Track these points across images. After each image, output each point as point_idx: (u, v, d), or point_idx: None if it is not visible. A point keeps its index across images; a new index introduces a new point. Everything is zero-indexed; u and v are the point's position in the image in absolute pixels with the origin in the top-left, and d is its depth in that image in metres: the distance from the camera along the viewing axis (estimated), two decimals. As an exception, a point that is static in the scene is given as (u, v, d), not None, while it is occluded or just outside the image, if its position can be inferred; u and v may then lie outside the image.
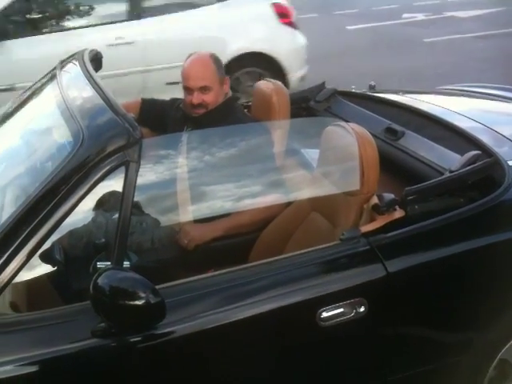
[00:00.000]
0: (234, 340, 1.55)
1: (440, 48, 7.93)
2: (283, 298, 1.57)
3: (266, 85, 2.50)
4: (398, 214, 1.73)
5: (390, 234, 1.70)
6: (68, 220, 1.44)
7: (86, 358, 1.41)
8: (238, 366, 1.57)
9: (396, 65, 7.06)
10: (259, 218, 2.22)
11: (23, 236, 1.37)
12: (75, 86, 1.76)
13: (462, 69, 6.71)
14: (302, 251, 1.68)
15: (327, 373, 1.69)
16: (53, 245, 1.70)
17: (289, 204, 2.22)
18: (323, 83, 2.91)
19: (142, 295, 1.32)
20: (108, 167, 1.40)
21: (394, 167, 2.16)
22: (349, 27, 9.63)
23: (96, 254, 1.89)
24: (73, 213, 1.43)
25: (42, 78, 2.12)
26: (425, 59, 7.32)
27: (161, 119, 2.56)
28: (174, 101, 2.60)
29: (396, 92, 2.94)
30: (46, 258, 1.67)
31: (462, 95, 2.96)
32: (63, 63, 2.04)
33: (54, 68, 2.04)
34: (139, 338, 1.43)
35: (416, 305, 1.74)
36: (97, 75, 1.71)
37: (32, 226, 1.37)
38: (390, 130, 2.34)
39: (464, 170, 1.86)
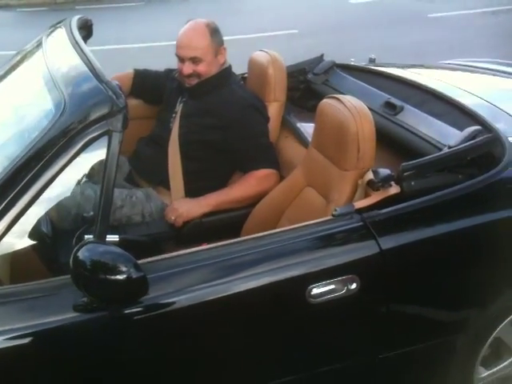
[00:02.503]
0: (222, 315, 1.52)
1: (446, 24, 7.80)
2: (273, 273, 1.54)
3: (263, 55, 2.43)
4: (394, 190, 1.68)
5: (384, 211, 1.65)
6: (56, 192, 1.41)
7: (67, 333, 1.38)
8: (225, 341, 1.54)
9: (399, 40, 6.95)
10: (250, 194, 2.18)
11: (4, 204, 1.33)
12: (60, 53, 1.69)
13: (468, 45, 6.59)
14: (294, 226, 1.64)
15: (317, 350, 1.67)
16: (40, 217, 1.65)
17: (282, 179, 2.18)
18: (322, 56, 2.84)
19: (124, 269, 1.29)
20: (90, 136, 1.35)
21: (392, 142, 2.10)
22: (352, 1, 9.47)
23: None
24: (61, 185, 1.40)
25: (30, 44, 2.05)
26: (429, 35, 7.20)
27: (155, 90, 2.50)
28: (169, 71, 2.54)
29: (397, 66, 2.87)
30: (34, 230, 1.63)
31: (466, 70, 2.89)
32: (51, 29, 1.98)
33: (41, 34, 1.98)
34: (122, 313, 1.40)
35: (410, 283, 1.70)
36: (82, 42, 1.65)
37: (13, 193, 1.33)
38: (388, 105, 2.28)
39: (463, 145, 1.81)
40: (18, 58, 2.02)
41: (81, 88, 1.42)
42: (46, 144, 1.34)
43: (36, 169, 1.33)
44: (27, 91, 1.75)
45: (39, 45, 1.85)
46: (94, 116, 1.34)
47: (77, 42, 1.62)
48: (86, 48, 1.57)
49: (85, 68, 1.46)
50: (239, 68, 2.50)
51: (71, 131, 1.34)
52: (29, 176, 1.33)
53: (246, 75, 2.59)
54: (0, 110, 1.83)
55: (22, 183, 1.33)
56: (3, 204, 1.32)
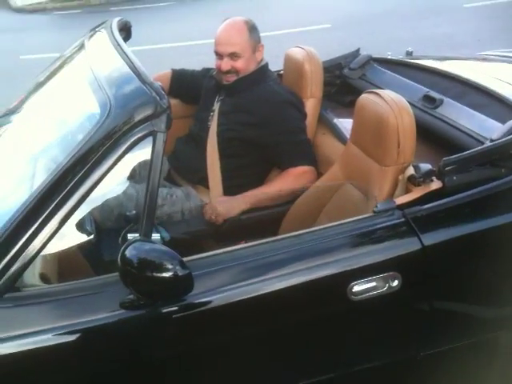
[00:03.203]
0: (263, 313, 1.53)
1: (481, 14, 7.63)
2: (314, 270, 1.54)
3: (299, 51, 2.43)
4: (435, 185, 1.66)
5: (426, 206, 1.63)
6: (99, 192, 1.43)
7: (114, 330, 1.41)
8: (267, 339, 1.55)
9: (434, 30, 6.83)
10: (288, 191, 2.18)
11: (52, 206, 1.36)
12: (102, 55, 1.73)
13: (503, 35, 6.42)
14: (334, 223, 1.64)
15: (358, 347, 1.66)
16: (85, 216, 1.70)
17: (320, 176, 2.18)
18: (358, 50, 2.81)
19: (170, 267, 1.31)
20: (135, 137, 1.37)
21: (432, 136, 2.08)
22: (385, -8, 9.33)
23: (127, 226, 1.89)
24: (104, 185, 1.42)
25: (72, 47, 2.10)
26: (464, 25, 7.06)
27: (193, 90, 2.53)
28: (206, 70, 2.56)
29: (434, 58, 2.83)
30: (79, 229, 1.67)
31: (505, 61, 2.82)
32: (91, 32, 2.02)
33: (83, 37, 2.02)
34: (167, 310, 1.42)
35: (452, 279, 1.68)
36: (124, 44, 1.68)
37: (61, 196, 1.36)
38: (427, 98, 2.25)
39: (506, 138, 1.77)
40: (60, 61, 2.06)
41: (125, 89, 1.44)
42: (92, 146, 1.37)
43: (83, 171, 1.36)
44: (71, 94, 1.79)
45: (81, 47, 1.89)
46: (138, 117, 1.36)
47: (119, 44, 1.65)
48: (129, 50, 1.60)
49: (128, 70, 1.49)
50: (274, 64, 2.51)
51: (117, 133, 1.36)
52: (76, 179, 1.36)
53: (281, 72, 2.59)
54: (45, 112, 1.88)
55: (70, 186, 1.36)
56: (51, 207, 1.35)
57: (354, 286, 1.54)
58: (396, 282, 1.57)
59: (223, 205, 2.17)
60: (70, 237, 1.57)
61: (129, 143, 1.37)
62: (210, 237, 2.19)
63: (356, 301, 1.55)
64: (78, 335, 1.38)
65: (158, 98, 1.37)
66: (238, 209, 2.18)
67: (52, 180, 1.38)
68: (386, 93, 1.79)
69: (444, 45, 6.20)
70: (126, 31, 2.07)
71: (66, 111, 1.75)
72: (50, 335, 1.35)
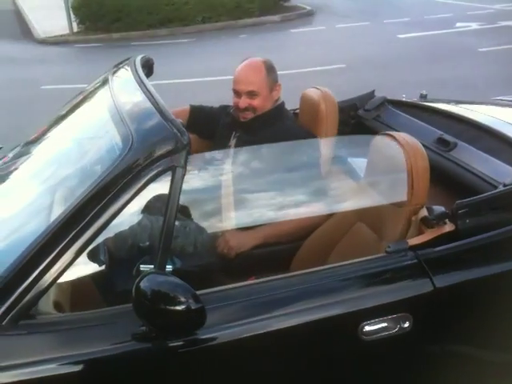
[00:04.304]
0: (273, 350, 1.53)
1: (495, 58, 7.70)
2: (325, 309, 1.54)
3: (314, 92, 2.47)
4: (448, 227, 1.67)
5: (438, 249, 1.64)
6: (114, 222, 1.45)
7: (125, 361, 1.42)
8: (276, 376, 1.55)
9: (449, 74, 6.90)
10: (301, 227, 2.20)
11: (70, 237, 1.39)
12: (126, 91, 1.78)
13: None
14: (346, 262, 1.64)
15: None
16: (99, 246, 1.72)
17: (333, 213, 2.19)
18: (373, 91, 2.86)
19: (183, 300, 1.32)
20: (155, 171, 1.40)
21: (446, 179, 2.09)
22: (400, 36, 9.50)
23: (140, 257, 1.90)
24: (120, 215, 1.44)
25: (95, 82, 2.16)
26: (479, 69, 7.13)
27: (210, 125, 2.58)
28: (224, 107, 2.61)
29: (448, 102, 2.86)
30: (92, 258, 1.69)
31: (518, 106, 2.85)
32: (115, 68, 2.08)
33: (107, 72, 2.08)
34: (179, 343, 1.43)
35: (464, 323, 1.67)
36: (147, 80, 1.73)
37: (79, 227, 1.39)
38: (441, 141, 2.27)
39: (519, 184, 1.78)
40: (83, 95, 2.12)
41: (147, 125, 1.48)
42: (112, 179, 1.40)
43: (102, 203, 1.39)
44: (93, 126, 1.84)
45: (105, 82, 1.95)
46: (159, 152, 1.39)
47: (142, 81, 1.70)
48: (151, 87, 1.65)
49: (151, 106, 1.53)
50: (289, 102, 2.56)
51: (137, 167, 1.39)
52: (94, 211, 1.39)
53: (297, 111, 2.64)
54: (65, 144, 1.93)
55: (88, 217, 1.39)
56: (69, 237, 1.38)
57: (365, 325, 1.54)
58: (407, 324, 1.57)
59: (235, 238, 2.19)
60: (83, 266, 1.59)
61: (148, 177, 1.40)
62: (222, 270, 2.19)
63: (367, 341, 1.54)
64: (89, 365, 1.39)
65: (178, 134, 1.41)
66: (251, 243, 2.19)
67: (71, 211, 1.40)
68: (401, 135, 1.82)
69: (458, 88, 6.25)
70: (148, 68, 2.13)
71: (88, 143, 1.80)
72: (61, 364, 1.37)
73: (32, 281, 1.36)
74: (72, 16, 11.41)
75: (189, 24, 11.41)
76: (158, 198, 2.10)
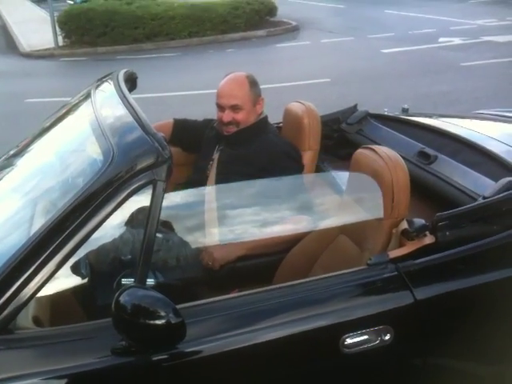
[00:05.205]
0: (254, 363, 1.52)
1: (477, 72, 7.83)
2: (307, 321, 1.54)
3: (298, 106, 2.50)
4: (429, 239, 1.68)
5: (419, 261, 1.66)
6: (96, 235, 1.45)
7: (105, 376, 1.40)
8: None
9: (431, 88, 7.00)
10: (284, 239, 2.20)
11: (50, 250, 1.38)
12: (108, 105, 1.78)
13: (500, 94, 6.59)
14: (328, 275, 1.65)
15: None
16: (80, 259, 1.71)
17: (316, 226, 2.20)
18: (355, 105, 2.89)
19: (163, 314, 1.31)
20: (136, 185, 1.40)
21: (426, 192, 2.12)
22: (384, 50, 9.62)
23: (122, 270, 1.90)
24: (101, 228, 1.44)
25: (79, 95, 2.16)
26: (461, 83, 7.24)
27: (193, 139, 2.59)
28: (208, 121, 2.63)
29: (430, 115, 2.91)
30: (73, 271, 1.68)
31: (498, 120, 2.90)
32: (98, 82, 2.08)
33: (90, 86, 2.08)
34: (160, 357, 1.42)
35: (445, 335, 1.68)
36: (129, 95, 1.73)
37: (59, 240, 1.38)
38: (422, 154, 2.30)
39: (498, 196, 1.81)
40: (66, 108, 2.12)
41: (128, 139, 1.48)
42: (93, 192, 1.40)
43: (83, 216, 1.38)
44: (75, 140, 1.84)
45: (88, 96, 1.95)
46: (140, 166, 1.39)
47: (124, 95, 1.70)
48: (133, 101, 1.65)
49: (132, 120, 1.53)
50: (274, 114, 2.58)
51: (118, 180, 1.39)
52: (75, 223, 1.38)
53: (280, 125, 2.66)
54: (47, 156, 1.92)
55: (68, 230, 1.38)
56: (49, 250, 1.37)
57: (346, 338, 1.54)
58: (388, 336, 1.57)
59: (220, 251, 2.19)
60: (64, 279, 1.58)
61: (129, 190, 1.40)
62: (205, 284, 2.19)
63: (348, 353, 1.55)
64: (68, 380, 1.37)
65: (160, 148, 1.41)
66: (235, 255, 2.19)
67: (51, 224, 1.39)
68: (382, 149, 1.84)
69: (440, 102, 6.34)
70: (131, 82, 2.14)
71: (69, 157, 1.79)
72: (40, 379, 1.35)
73: (11, 295, 1.35)
74: (58, 30, 11.42)
75: (175, 38, 11.47)
76: (140, 211, 2.10)
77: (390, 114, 2.85)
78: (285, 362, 1.54)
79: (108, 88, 1.90)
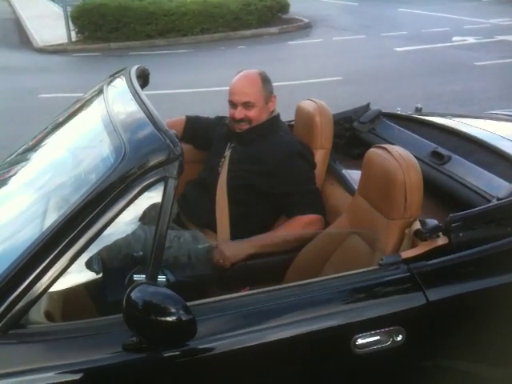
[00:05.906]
0: (265, 361, 1.52)
1: (491, 72, 7.76)
2: (318, 321, 1.54)
3: (310, 104, 2.49)
4: (441, 241, 1.67)
5: (431, 262, 1.64)
6: (108, 231, 1.45)
7: (115, 372, 1.41)
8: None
9: (445, 87, 6.95)
10: (295, 238, 2.20)
11: (62, 245, 1.38)
12: (120, 101, 1.78)
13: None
14: (339, 274, 1.64)
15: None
16: (92, 255, 1.71)
17: (327, 225, 2.19)
18: (368, 104, 2.88)
19: (173, 311, 1.31)
20: (147, 182, 1.40)
21: (439, 192, 2.10)
22: (397, 49, 9.57)
23: (133, 267, 1.90)
24: (113, 224, 1.44)
25: (91, 91, 2.17)
26: (475, 83, 7.18)
27: (205, 136, 2.59)
28: (219, 118, 2.63)
29: (443, 115, 2.88)
30: (85, 267, 1.68)
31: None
32: (111, 78, 2.09)
33: (102, 82, 2.09)
34: (170, 354, 1.42)
35: (457, 336, 1.67)
36: (142, 91, 1.73)
37: (71, 235, 1.38)
38: (435, 154, 2.28)
39: (512, 198, 1.79)
40: (79, 104, 2.13)
41: (140, 135, 1.48)
42: (105, 189, 1.40)
43: (95, 212, 1.39)
44: (87, 136, 1.84)
45: (100, 92, 1.95)
46: (152, 162, 1.39)
47: (136, 91, 1.70)
48: (145, 97, 1.65)
49: (144, 116, 1.53)
50: (286, 112, 2.57)
51: (130, 176, 1.39)
52: (87, 219, 1.38)
53: (292, 123, 2.65)
54: (60, 152, 1.93)
55: (81, 226, 1.38)
56: (61, 245, 1.37)
57: (357, 338, 1.53)
58: (400, 337, 1.56)
59: (230, 249, 2.19)
60: (76, 275, 1.58)
61: (141, 187, 1.40)
62: (215, 281, 2.19)
63: (360, 354, 1.54)
64: (79, 375, 1.38)
65: (171, 145, 1.41)
66: (245, 253, 2.19)
67: (64, 219, 1.40)
68: (395, 148, 1.83)
69: (453, 102, 6.29)
70: (143, 78, 2.14)
71: (81, 152, 1.80)
72: (51, 373, 1.35)
73: (23, 289, 1.35)
74: (71, 25, 11.47)
75: (187, 34, 11.49)
76: (152, 208, 2.10)
77: (402, 113, 2.83)
78: (295, 361, 1.54)
79: (120, 84, 1.90)
